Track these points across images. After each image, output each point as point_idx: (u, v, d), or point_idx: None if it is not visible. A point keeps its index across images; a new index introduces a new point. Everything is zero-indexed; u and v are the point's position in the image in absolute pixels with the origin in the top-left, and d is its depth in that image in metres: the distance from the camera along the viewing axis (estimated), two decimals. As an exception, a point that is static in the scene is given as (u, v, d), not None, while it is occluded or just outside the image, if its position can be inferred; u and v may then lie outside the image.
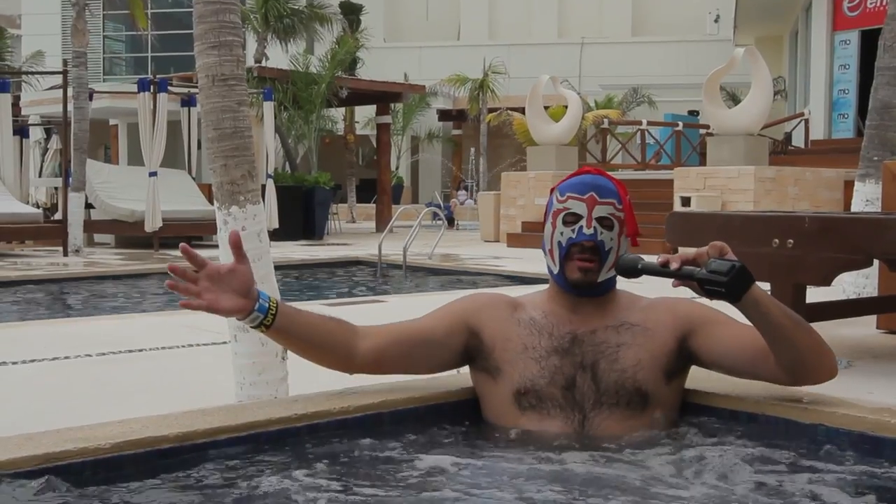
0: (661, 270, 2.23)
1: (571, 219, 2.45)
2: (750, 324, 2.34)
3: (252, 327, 2.37)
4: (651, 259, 2.29)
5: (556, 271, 2.48)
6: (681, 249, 2.63)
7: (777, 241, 3.68)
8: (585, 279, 2.43)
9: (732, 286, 2.17)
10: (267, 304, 2.34)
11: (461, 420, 2.52)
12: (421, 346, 2.51)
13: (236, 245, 2.31)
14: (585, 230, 2.42)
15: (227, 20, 3.26)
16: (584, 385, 2.41)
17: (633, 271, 2.31)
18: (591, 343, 2.44)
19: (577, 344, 2.44)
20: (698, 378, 2.54)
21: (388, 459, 2.23)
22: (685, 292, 2.29)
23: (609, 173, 2.57)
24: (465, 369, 2.60)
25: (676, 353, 2.46)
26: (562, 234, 2.46)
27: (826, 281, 3.69)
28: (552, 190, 2.56)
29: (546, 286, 2.59)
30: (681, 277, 2.21)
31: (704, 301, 2.31)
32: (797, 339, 2.31)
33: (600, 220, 2.43)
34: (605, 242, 2.43)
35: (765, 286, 3.96)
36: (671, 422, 2.47)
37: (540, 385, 2.42)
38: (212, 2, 3.24)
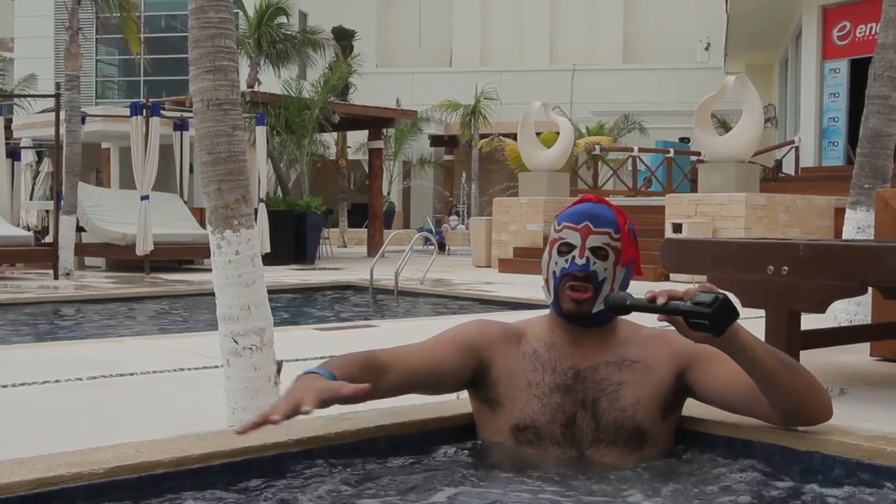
0: (649, 306, 2.21)
1: (565, 248, 2.45)
2: None
3: None
4: (640, 294, 2.28)
5: (550, 300, 2.49)
6: (671, 284, 2.63)
7: (772, 268, 3.68)
8: (579, 310, 2.43)
9: (715, 317, 2.15)
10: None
11: (456, 447, 2.51)
12: (435, 378, 2.49)
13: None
14: (578, 260, 2.42)
15: (223, 45, 3.27)
16: (583, 423, 2.40)
17: (622, 308, 2.30)
18: (592, 380, 2.43)
19: (579, 380, 2.43)
20: (694, 405, 2.54)
21: (382, 485, 2.22)
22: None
23: (610, 202, 2.56)
24: (464, 394, 2.59)
25: (674, 389, 2.46)
26: (556, 263, 2.46)
27: (821, 308, 3.68)
28: (556, 217, 2.56)
29: (544, 311, 2.58)
30: (667, 312, 2.19)
31: None
32: (786, 383, 2.30)
33: (594, 250, 2.43)
34: (599, 272, 2.42)
35: (759, 313, 3.96)
36: (666, 452, 2.47)
37: (540, 423, 2.41)
38: (208, 27, 3.25)
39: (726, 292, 2.20)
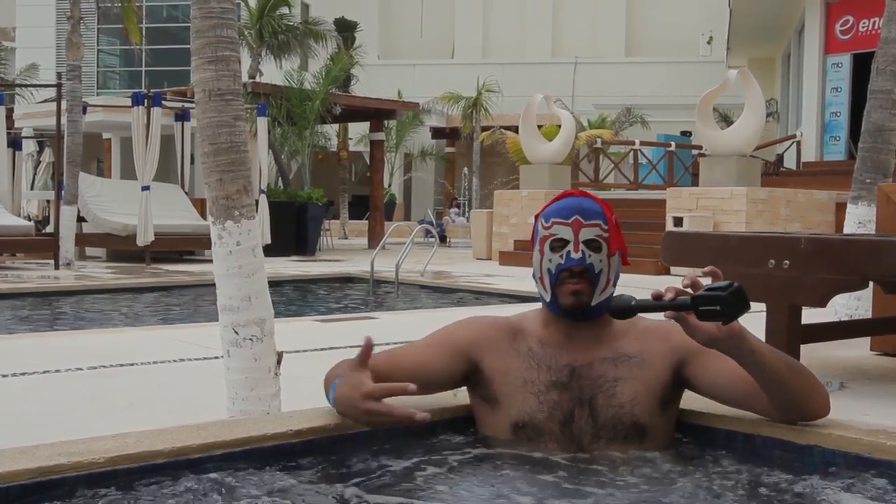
0: (655, 304, 2.17)
1: (559, 244, 2.43)
2: None
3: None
4: (644, 296, 2.25)
5: (548, 299, 2.47)
6: (672, 279, 2.62)
7: (773, 261, 3.68)
8: (578, 302, 2.41)
9: (730, 302, 2.10)
10: None
11: (456, 437, 2.51)
12: (425, 382, 2.42)
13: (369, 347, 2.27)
14: (573, 255, 2.41)
15: (225, 35, 3.26)
16: (581, 420, 2.40)
17: (627, 311, 2.25)
18: (588, 377, 2.42)
19: (575, 377, 2.42)
20: (694, 398, 2.54)
21: (382, 476, 2.22)
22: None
23: (592, 193, 2.54)
24: (462, 391, 2.59)
25: (671, 383, 2.45)
26: (550, 260, 2.44)
27: (822, 302, 3.68)
28: (536, 217, 2.54)
29: (541, 305, 2.57)
30: (676, 308, 2.16)
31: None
32: (790, 385, 2.30)
33: (587, 242, 2.42)
34: (595, 265, 2.41)
35: (759, 307, 3.96)
36: (666, 446, 2.46)
37: (538, 419, 2.41)
38: (210, 17, 3.24)
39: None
